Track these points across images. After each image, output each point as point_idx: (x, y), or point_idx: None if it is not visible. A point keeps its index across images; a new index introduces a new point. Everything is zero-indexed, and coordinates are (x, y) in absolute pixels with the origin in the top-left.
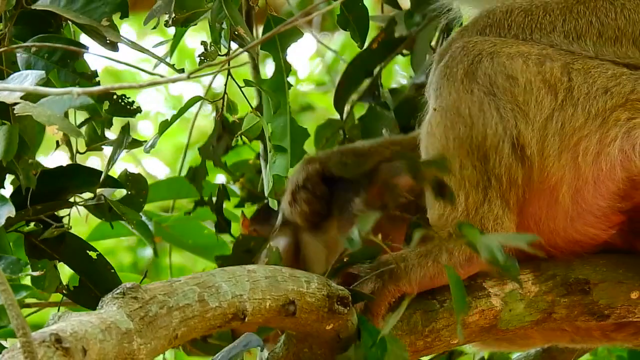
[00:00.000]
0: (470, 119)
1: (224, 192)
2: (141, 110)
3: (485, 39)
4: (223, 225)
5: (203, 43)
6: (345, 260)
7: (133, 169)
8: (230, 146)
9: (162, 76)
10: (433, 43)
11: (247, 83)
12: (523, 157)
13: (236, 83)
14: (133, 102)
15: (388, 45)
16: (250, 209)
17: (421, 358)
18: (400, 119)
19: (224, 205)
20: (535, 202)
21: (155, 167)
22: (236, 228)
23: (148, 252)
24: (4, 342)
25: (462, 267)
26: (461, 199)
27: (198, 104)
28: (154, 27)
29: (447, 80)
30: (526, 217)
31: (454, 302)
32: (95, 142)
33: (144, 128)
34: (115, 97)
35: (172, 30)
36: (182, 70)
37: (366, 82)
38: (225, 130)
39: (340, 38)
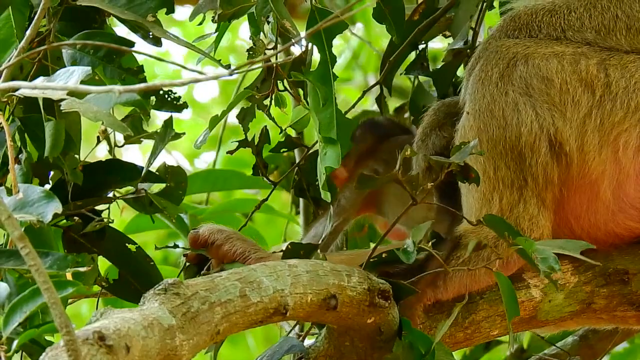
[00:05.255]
0: (504, 120)
1: (266, 135)
2: (188, 106)
3: (518, 41)
4: (261, 167)
5: (252, 37)
6: (383, 256)
7: (171, 161)
8: (274, 91)
9: (203, 73)
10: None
11: (295, 75)
12: (560, 155)
13: (283, 76)
14: (179, 97)
15: (430, 15)
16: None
17: None
18: (439, 86)
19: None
20: (575, 198)
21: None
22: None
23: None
24: (50, 338)
25: (499, 269)
26: (495, 200)
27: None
28: (200, 23)
29: (481, 84)
30: (566, 213)
31: (505, 307)
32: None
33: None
34: (161, 92)
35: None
36: (227, 66)
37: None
38: (269, 73)
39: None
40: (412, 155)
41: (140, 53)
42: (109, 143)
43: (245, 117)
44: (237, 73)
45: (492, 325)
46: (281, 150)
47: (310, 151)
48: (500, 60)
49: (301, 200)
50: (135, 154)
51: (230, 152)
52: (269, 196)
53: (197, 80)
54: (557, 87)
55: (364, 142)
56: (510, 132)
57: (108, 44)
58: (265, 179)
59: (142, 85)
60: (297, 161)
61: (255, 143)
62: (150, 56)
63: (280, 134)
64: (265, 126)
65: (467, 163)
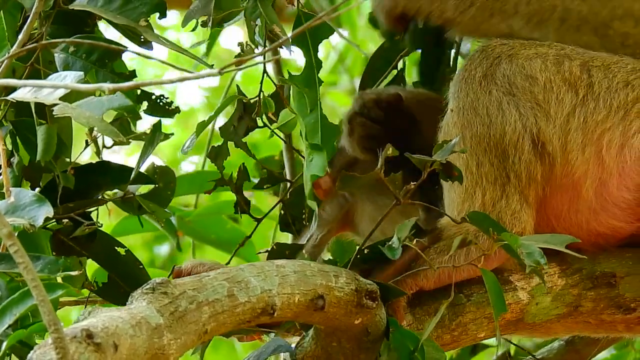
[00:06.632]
0: (488, 118)
1: (244, 172)
2: (180, 111)
3: (504, 42)
4: (242, 204)
5: (240, 44)
6: (365, 252)
7: (159, 161)
8: (251, 127)
9: (190, 72)
10: None
11: (282, 80)
12: (543, 154)
13: (270, 79)
14: (172, 102)
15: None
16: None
17: None
18: None
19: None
20: (557, 197)
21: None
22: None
23: (164, 248)
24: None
25: (480, 264)
26: (478, 195)
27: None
28: (194, 29)
29: (465, 83)
30: (547, 212)
31: (492, 304)
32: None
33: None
34: (154, 97)
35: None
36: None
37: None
38: (246, 110)
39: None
40: (394, 155)
41: (134, 52)
42: (96, 145)
43: (217, 156)
44: (223, 73)
45: (479, 328)
46: (264, 187)
47: (295, 185)
48: (485, 59)
49: None
50: (118, 155)
51: (208, 192)
52: (252, 233)
53: (184, 79)
54: (540, 85)
55: (348, 152)
56: (494, 130)
57: (102, 43)
58: (249, 215)
59: (131, 82)
60: (282, 196)
61: (234, 181)
62: (141, 55)
63: (269, 138)
64: (243, 163)
65: (449, 161)
